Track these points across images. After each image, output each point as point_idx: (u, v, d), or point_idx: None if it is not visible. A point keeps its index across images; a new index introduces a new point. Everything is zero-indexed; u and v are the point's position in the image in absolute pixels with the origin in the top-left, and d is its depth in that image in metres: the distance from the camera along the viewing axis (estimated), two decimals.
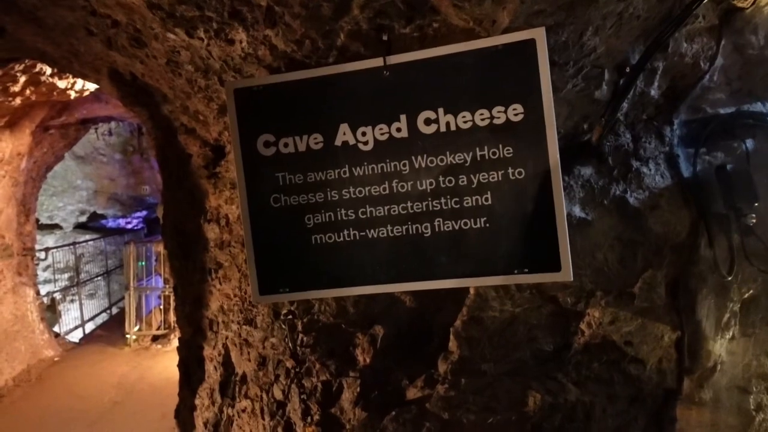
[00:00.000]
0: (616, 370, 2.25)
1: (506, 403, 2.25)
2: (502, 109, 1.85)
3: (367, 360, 2.20)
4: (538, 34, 1.81)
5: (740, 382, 2.20)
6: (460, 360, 2.19)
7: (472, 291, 2.12)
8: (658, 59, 2.05)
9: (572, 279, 1.82)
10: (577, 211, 2.07)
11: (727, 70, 2.12)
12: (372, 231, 1.94)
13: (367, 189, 1.93)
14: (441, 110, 1.89)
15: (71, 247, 11.60)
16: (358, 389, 2.19)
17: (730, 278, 2.14)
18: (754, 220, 2.13)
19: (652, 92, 2.10)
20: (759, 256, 2.17)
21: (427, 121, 1.89)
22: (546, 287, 2.12)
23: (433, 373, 2.23)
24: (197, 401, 2.88)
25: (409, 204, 1.92)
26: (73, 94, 6.33)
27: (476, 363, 2.20)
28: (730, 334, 2.18)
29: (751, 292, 2.19)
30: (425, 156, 1.90)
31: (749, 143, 2.21)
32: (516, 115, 1.84)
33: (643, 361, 2.21)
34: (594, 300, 2.14)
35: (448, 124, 1.87)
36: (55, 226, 13.55)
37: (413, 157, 1.90)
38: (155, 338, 9.21)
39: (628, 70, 2.01)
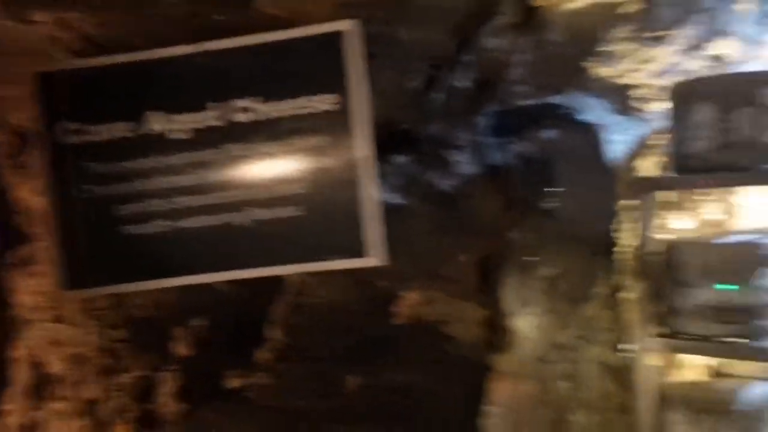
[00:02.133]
0: (436, 350, 2.58)
1: (331, 389, 2.50)
2: (316, 98, 2.06)
3: (187, 352, 2.37)
4: (350, 26, 2.04)
5: (540, 354, 2.61)
6: (283, 348, 2.41)
7: (292, 279, 2.34)
8: (469, 53, 2.36)
9: (385, 264, 2.10)
10: (394, 198, 2.34)
11: (532, 65, 2.47)
12: (185, 221, 2.09)
13: (179, 178, 2.07)
14: (255, 99, 2.07)
15: None
16: (178, 382, 2.35)
17: (534, 259, 2.54)
18: (555, 205, 2.53)
19: (464, 84, 2.40)
20: (560, 239, 2.58)
21: (241, 110, 2.07)
22: (365, 273, 2.38)
23: (256, 362, 2.44)
24: (6, 407, 2.89)
25: (222, 193, 2.09)
26: None
27: (299, 350, 2.43)
28: (534, 310, 2.57)
29: (552, 270, 2.59)
30: (238, 145, 2.08)
31: (553, 133, 2.61)
32: (329, 105, 2.06)
33: (459, 339, 2.56)
34: (411, 284, 2.44)
35: (261, 112, 2.06)
36: None
37: (226, 146, 2.08)
38: None
39: (440, 62, 2.31)
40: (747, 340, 2.35)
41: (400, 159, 2.31)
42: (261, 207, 2.06)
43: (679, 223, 3.25)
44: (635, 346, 2.56)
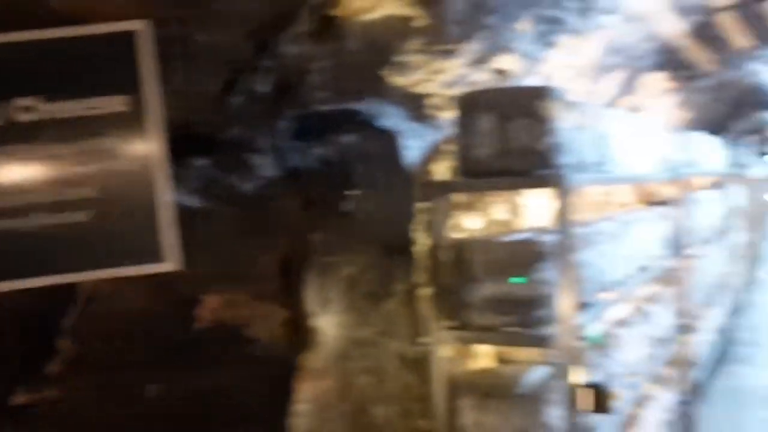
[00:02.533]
0: (239, 352, 2.63)
1: (130, 398, 2.46)
2: (106, 99, 2.02)
3: None
4: (142, 26, 2.03)
5: (343, 351, 2.75)
6: (76, 359, 2.33)
7: (85, 286, 2.27)
8: (268, 58, 2.43)
9: (182, 269, 2.11)
10: (193, 201, 2.36)
11: (331, 72, 2.60)
12: None
13: None
14: (39, 98, 2.00)
15: None
16: None
17: (335, 260, 2.67)
18: (355, 207, 2.68)
19: (264, 89, 2.47)
20: (360, 239, 2.74)
21: (24, 110, 1.99)
22: (165, 278, 2.36)
23: (46, 376, 2.34)
24: None
25: (6, 197, 1.99)
26: None
27: (94, 360, 2.37)
28: (336, 309, 2.71)
29: (352, 270, 2.75)
30: (21, 146, 1.99)
31: (352, 138, 2.75)
32: (121, 106, 2.03)
33: (263, 340, 2.62)
34: (213, 287, 2.47)
35: (45, 112, 1.99)
36: None
37: (8, 147, 1.98)
38: None
39: (239, 66, 2.36)
40: (527, 329, 2.64)
41: (200, 162, 2.33)
42: (48, 212, 1.98)
43: (470, 222, 3.57)
44: (430, 339, 2.77)
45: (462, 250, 2.79)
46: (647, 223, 4.30)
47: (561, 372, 2.51)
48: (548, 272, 2.61)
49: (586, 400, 2.31)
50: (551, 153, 2.62)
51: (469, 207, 3.64)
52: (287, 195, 2.51)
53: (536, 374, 2.86)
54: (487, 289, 2.70)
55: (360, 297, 2.79)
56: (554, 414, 2.63)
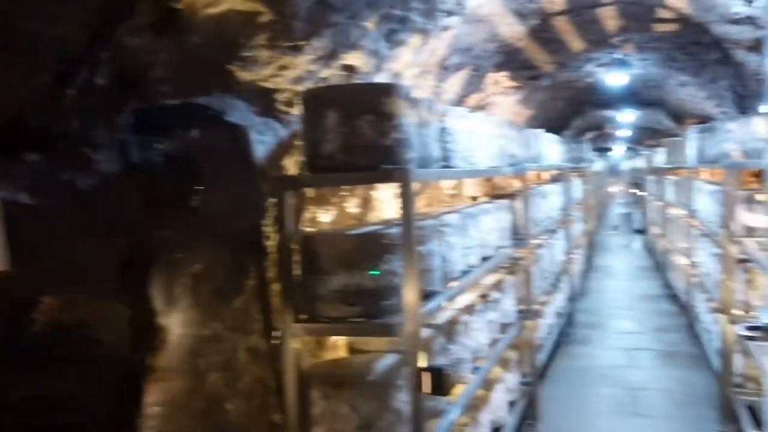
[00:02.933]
0: (81, 355, 2.53)
1: None
2: None
3: None
4: None
5: (193, 348, 2.72)
6: None
7: None
8: (106, 50, 2.35)
9: (9, 269, 2.00)
10: (25, 198, 2.24)
11: (175, 66, 2.55)
12: None
13: None
14: None
15: None
16: None
17: (181, 256, 2.63)
18: (202, 202, 2.65)
19: (102, 82, 2.39)
20: (207, 235, 2.71)
21: None
22: None
23: None
24: None
25: None
26: None
27: None
28: (183, 306, 2.67)
29: (200, 266, 2.72)
30: None
31: (199, 133, 2.72)
32: None
33: (106, 341, 2.54)
34: (50, 288, 2.36)
35: None
36: None
37: None
38: None
39: (74, 58, 2.26)
40: (375, 319, 2.73)
41: (32, 157, 2.22)
42: None
43: (323, 216, 3.62)
44: (281, 333, 2.80)
45: (310, 243, 2.84)
46: (492, 215, 4.54)
47: (408, 359, 2.62)
48: (394, 264, 2.71)
49: (426, 383, 2.43)
50: (396, 148, 2.72)
51: (322, 201, 3.70)
52: (129, 191, 2.45)
53: (385, 362, 2.96)
54: (335, 282, 2.76)
55: (209, 293, 2.77)
56: (402, 400, 2.74)
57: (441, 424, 3.12)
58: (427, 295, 3.19)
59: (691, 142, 6.71)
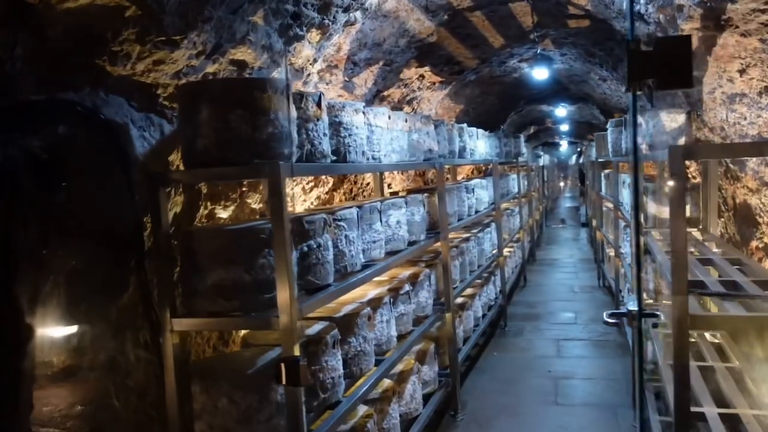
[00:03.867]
0: None
1: None
2: None
3: None
4: None
5: (70, 348, 2.70)
6: None
7: None
8: None
9: None
10: None
11: (35, 61, 2.51)
12: None
13: None
14: None
15: None
16: None
17: (51, 255, 2.60)
18: (70, 201, 2.62)
19: None
20: (78, 234, 2.68)
21: None
22: None
23: None
24: None
25: None
26: None
27: None
28: (56, 302, 2.64)
29: (74, 263, 2.69)
30: None
31: (68, 129, 2.68)
32: None
33: None
34: None
35: None
36: None
37: None
38: None
39: None
40: (251, 313, 2.74)
41: None
42: None
43: (222, 212, 3.61)
44: (165, 328, 2.78)
45: (188, 239, 2.83)
46: (402, 210, 4.58)
47: (285, 352, 2.63)
48: (271, 258, 2.73)
49: (282, 374, 2.45)
50: (271, 143, 2.73)
51: (220, 197, 3.69)
52: None
53: (269, 356, 2.97)
54: (212, 277, 2.76)
55: (90, 291, 2.75)
56: (281, 392, 2.76)
57: (333, 415, 3.14)
58: (317, 289, 3.21)
59: (609, 136, 6.87)
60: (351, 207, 3.76)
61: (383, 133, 4.19)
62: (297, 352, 2.62)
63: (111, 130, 2.82)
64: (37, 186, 2.54)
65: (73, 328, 2.78)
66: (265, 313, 2.71)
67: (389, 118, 4.32)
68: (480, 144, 7.66)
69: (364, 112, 3.85)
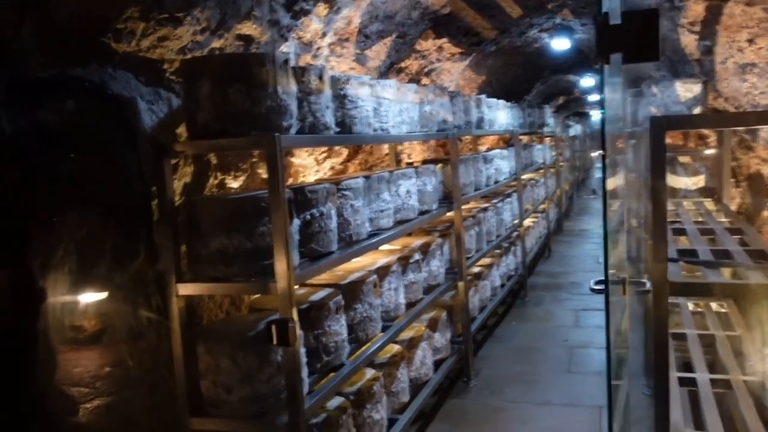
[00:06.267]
0: None
1: None
2: None
3: None
4: None
5: (81, 314, 2.86)
6: None
7: None
8: None
9: None
10: None
11: (45, 37, 2.64)
12: None
13: None
14: None
15: None
16: None
17: (63, 222, 2.75)
18: (78, 171, 2.77)
19: None
20: (89, 201, 2.83)
21: None
22: None
23: None
24: None
25: None
26: None
27: None
28: (68, 270, 2.80)
29: (84, 232, 2.84)
30: None
31: (77, 104, 2.82)
32: None
33: None
34: None
35: None
36: None
37: None
38: None
39: None
40: (251, 279, 2.86)
41: None
42: None
43: (232, 182, 3.74)
44: (173, 293, 2.93)
45: (193, 208, 2.96)
46: (413, 180, 4.65)
47: (282, 315, 2.75)
48: (270, 226, 2.84)
49: (274, 335, 2.58)
50: (270, 116, 2.83)
51: (231, 167, 3.82)
52: (5, 161, 2.56)
53: (271, 319, 3.09)
54: (215, 244, 2.89)
55: (100, 258, 2.90)
56: (281, 353, 2.89)
57: (335, 377, 3.27)
58: (320, 256, 3.32)
59: (627, 107, 6.80)
60: (358, 177, 3.84)
61: (391, 105, 4.25)
62: (295, 316, 2.74)
63: (118, 104, 2.94)
64: (48, 157, 2.67)
65: (91, 294, 2.93)
66: (264, 279, 2.82)
67: (398, 90, 4.37)
68: (500, 115, 7.65)
69: (370, 85, 3.92)
